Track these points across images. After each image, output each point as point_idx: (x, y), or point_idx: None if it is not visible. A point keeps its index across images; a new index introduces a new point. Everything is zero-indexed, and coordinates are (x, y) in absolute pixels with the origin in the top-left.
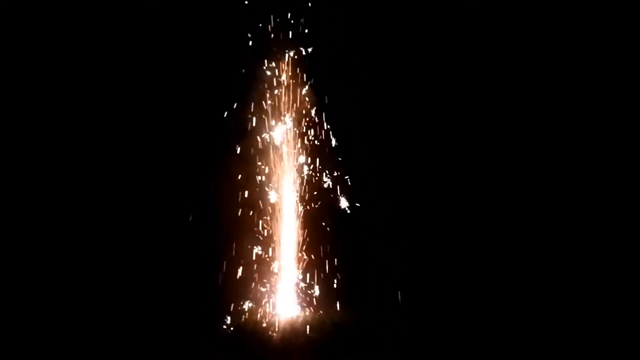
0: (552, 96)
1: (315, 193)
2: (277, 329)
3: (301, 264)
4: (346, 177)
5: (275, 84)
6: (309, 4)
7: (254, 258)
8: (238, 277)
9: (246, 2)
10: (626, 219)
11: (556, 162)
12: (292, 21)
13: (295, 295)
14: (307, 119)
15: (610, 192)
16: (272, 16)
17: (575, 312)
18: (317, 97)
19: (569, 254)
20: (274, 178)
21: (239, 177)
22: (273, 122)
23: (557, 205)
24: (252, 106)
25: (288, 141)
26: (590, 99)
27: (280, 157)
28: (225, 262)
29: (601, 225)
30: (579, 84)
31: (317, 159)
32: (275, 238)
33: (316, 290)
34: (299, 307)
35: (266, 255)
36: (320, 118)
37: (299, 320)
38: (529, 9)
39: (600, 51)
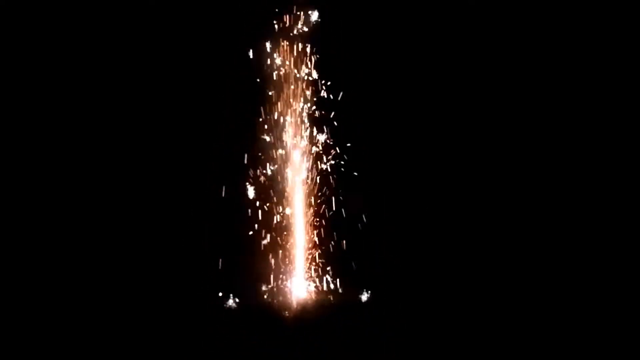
0: (553, 96)
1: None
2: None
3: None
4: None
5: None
6: None
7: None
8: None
9: None
10: (626, 219)
11: (556, 162)
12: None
13: (303, 280)
14: (315, 113)
15: (610, 192)
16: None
17: (576, 313)
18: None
19: (569, 254)
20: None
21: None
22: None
23: (557, 205)
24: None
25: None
26: (591, 99)
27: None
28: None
29: (601, 225)
30: (579, 84)
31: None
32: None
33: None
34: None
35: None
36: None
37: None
38: (529, 9)
39: (601, 51)
